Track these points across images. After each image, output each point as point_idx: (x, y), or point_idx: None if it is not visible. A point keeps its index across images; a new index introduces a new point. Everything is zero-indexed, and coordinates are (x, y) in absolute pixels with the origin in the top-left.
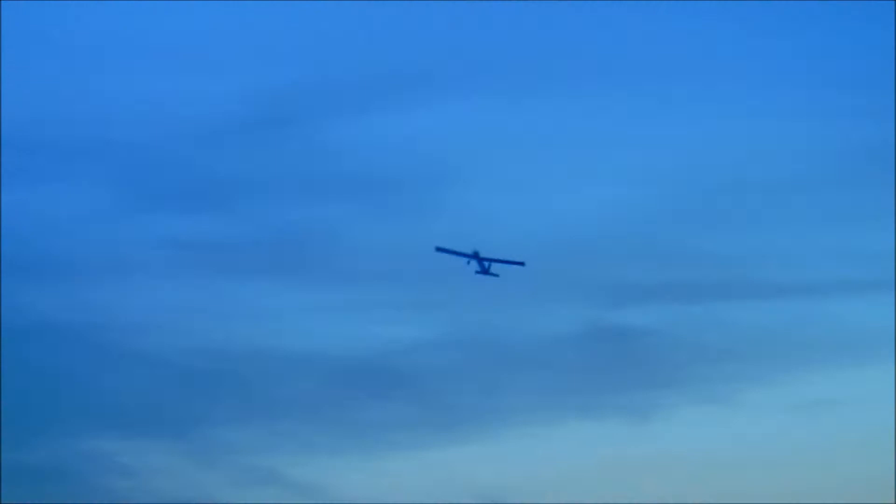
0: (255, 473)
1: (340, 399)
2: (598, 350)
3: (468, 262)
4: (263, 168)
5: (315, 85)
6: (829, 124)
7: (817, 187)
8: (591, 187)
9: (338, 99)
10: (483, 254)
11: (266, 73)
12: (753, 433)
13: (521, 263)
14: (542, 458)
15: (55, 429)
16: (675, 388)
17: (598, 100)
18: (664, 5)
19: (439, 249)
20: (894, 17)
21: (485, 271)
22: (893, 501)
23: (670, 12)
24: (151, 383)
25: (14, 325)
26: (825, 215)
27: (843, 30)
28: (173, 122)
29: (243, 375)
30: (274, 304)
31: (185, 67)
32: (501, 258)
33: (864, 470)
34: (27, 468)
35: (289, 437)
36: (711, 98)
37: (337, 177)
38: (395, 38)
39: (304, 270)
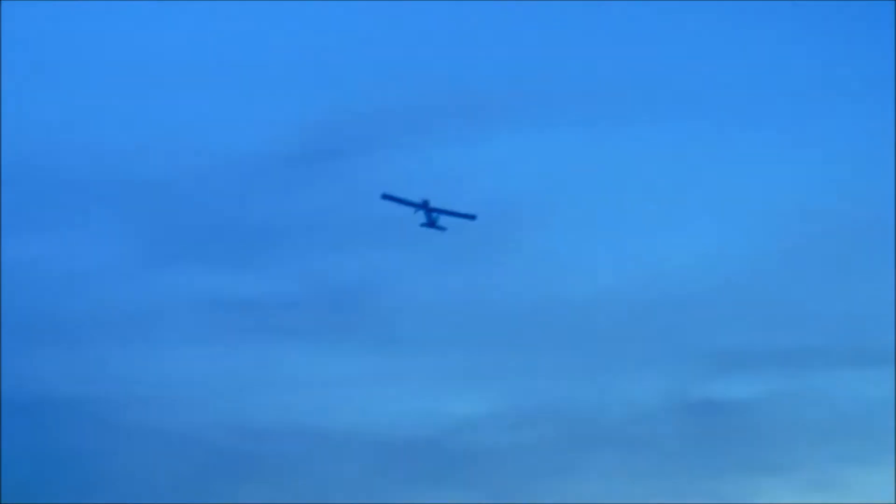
0: None
1: (390, 484)
2: (688, 427)
3: (415, 212)
4: (306, 211)
5: (366, 113)
6: None
7: None
8: (682, 232)
9: (392, 129)
10: (434, 203)
11: (310, 99)
12: None
13: (473, 217)
14: None
15: None
16: (779, 472)
17: (692, 131)
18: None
19: (385, 197)
20: None
21: (431, 224)
22: None
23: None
24: (173, 466)
25: (15, 398)
26: None
27: None
28: (201, 157)
29: (279, 456)
30: (317, 372)
31: (217, 91)
32: (451, 209)
33: None
34: None
35: None
36: (824, 128)
37: (391, 220)
38: (460, 60)
39: (351, 332)
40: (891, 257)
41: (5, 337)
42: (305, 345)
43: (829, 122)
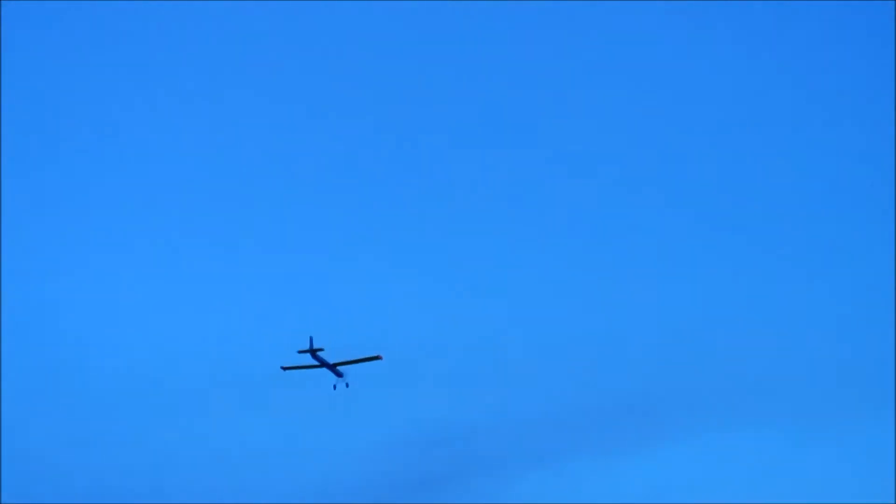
0: None
1: None
2: None
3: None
4: None
5: (483, 432)
6: None
7: None
8: None
9: (516, 448)
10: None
11: (412, 420)
12: None
13: (379, 357)
14: None
15: None
16: None
17: None
18: None
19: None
20: None
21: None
22: None
23: None
24: None
25: None
26: None
27: None
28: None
29: None
30: None
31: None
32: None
33: None
34: None
35: None
36: None
37: None
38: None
39: None
40: None
41: None
42: None
43: None
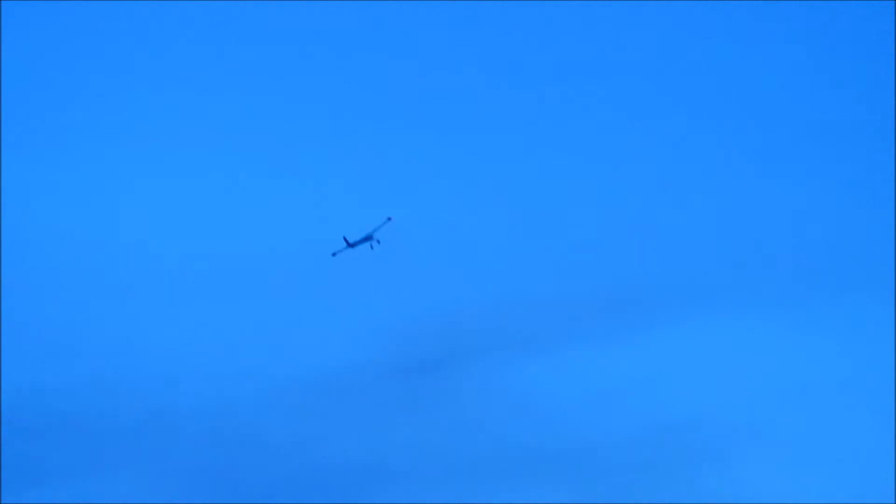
0: None
1: None
2: None
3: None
4: (403, 442)
5: (478, 316)
6: None
7: None
8: None
9: (512, 333)
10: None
11: (405, 303)
12: None
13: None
14: None
15: None
16: None
17: None
18: None
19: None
20: None
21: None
22: None
23: None
24: None
25: None
26: None
27: None
28: (261, 381)
29: None
30: None
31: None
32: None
33: None
34: None
35: None
36: None
37: (515, 450)
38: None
39: None
40: None
41: None
42: None
43: None
